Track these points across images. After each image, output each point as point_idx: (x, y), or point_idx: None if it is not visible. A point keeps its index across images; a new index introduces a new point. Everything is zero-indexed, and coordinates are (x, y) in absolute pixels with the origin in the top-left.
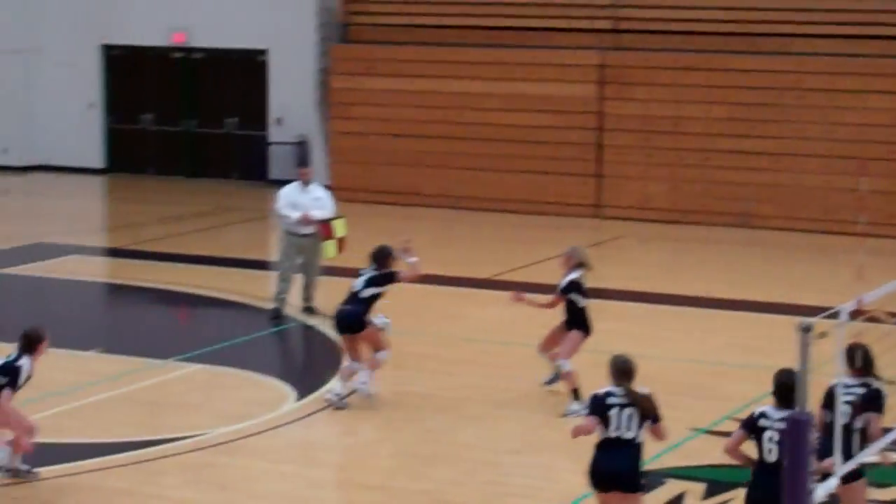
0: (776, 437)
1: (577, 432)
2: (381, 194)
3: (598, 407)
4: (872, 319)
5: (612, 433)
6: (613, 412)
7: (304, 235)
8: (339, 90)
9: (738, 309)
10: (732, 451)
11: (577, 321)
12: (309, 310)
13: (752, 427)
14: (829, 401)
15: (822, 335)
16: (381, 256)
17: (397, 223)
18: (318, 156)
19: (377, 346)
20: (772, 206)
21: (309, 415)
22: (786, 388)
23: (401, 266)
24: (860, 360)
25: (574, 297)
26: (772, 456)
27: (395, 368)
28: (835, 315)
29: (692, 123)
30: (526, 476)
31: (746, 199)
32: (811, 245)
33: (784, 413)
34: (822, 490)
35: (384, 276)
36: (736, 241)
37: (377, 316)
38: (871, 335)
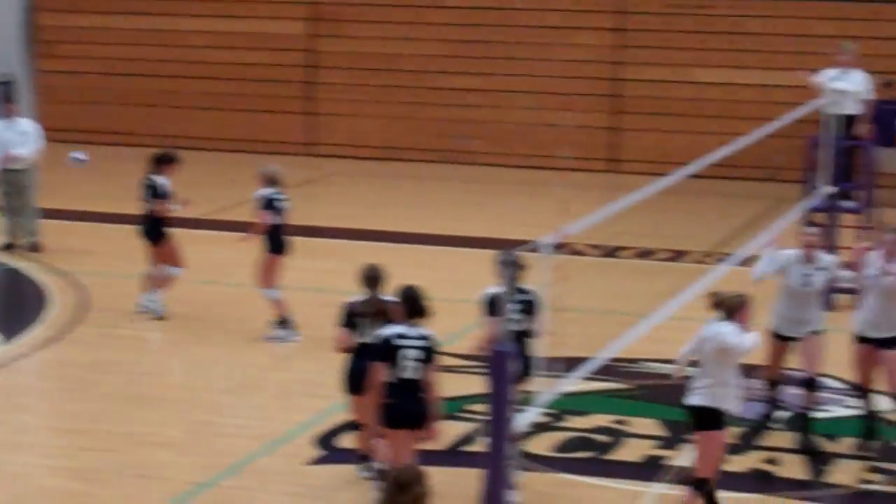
0: (413, 354)
1: (338, 344)
2: (92, 134)
3: (387, 350)
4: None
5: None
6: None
7: (12, 171)
8: (45, 27)
9: (450, 244)
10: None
11: (272, 242)
12: (21, 248)
13: (387, 348)
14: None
15: (525, 267)
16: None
17: (109, 165)
18: (25, 95)
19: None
20: (482, 143)
21: (16, 359)
22: (412, 300)
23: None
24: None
25: (265, 211)
26: (408, 373)
27: (105, 311)
28: (538, 248)
29: (403, 60)
30: (237, 416)
31: (461, 135)
32: (521, 180)
33: (419, 331)
34: (523, 419)
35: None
36: (449, 178)
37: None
38: (573, 266)
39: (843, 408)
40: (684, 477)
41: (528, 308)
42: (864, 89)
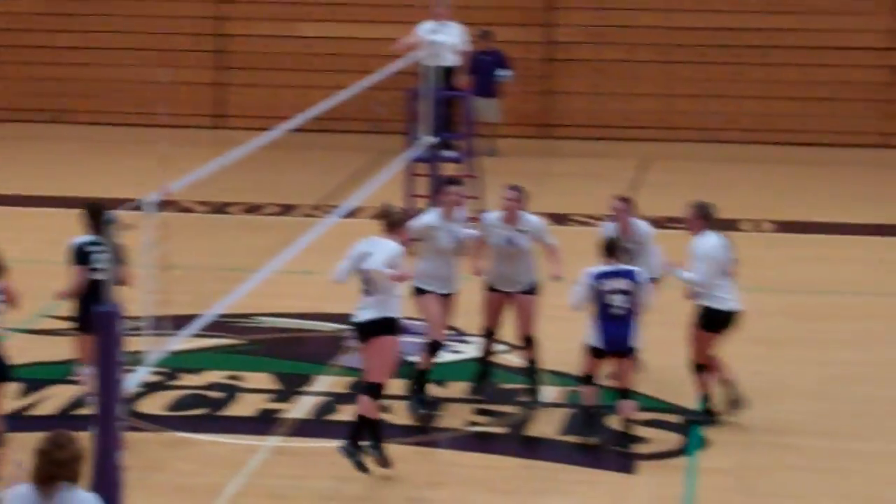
0: None
1: None
2: None
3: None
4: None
5: None
6: None
7: None
8: None
9: (47, 205)
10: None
11: None
12: None
13: None
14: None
15: (130, 227)
16: None
17: None
18: None
19: None
20: (86, 101)
21: None
22: None
23: None
24: None
25: None
26: None
27: None
28: (141, 206)
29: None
30: None
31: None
32: (124, 138)
33: None
34: (133, 379)
35: None
36: (48, 137)
37: None
38: (180, 223)
39: (450, 353)
40: (361, 385)
41: (113, 257)
42: (460, 41)
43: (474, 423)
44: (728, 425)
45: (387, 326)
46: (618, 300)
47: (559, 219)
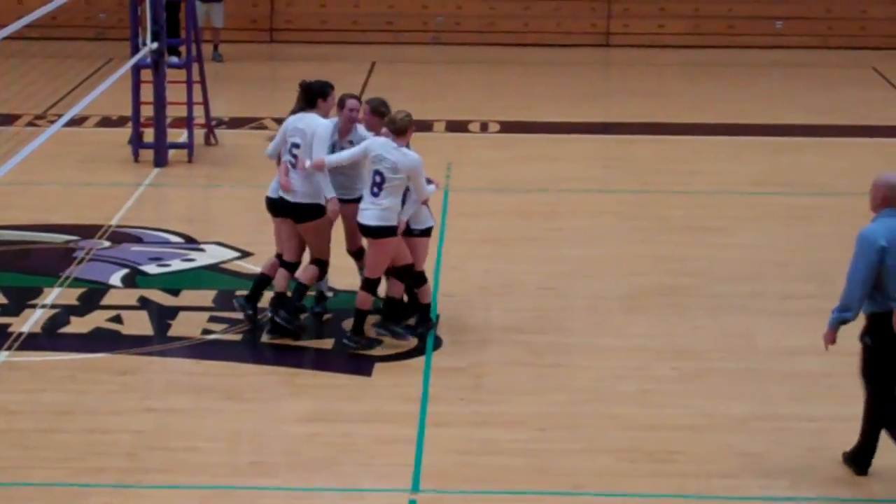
0: None
1: None
2: None
3: None
4: None
5: None
6: None
7: None
8: None
9: None
10: None
11: None
12: None
13: None
14: None
15: None
16: None
17: None
18: None
19: None
20: None
21: None
22: None
23: None
24: None
25: None
26: None
27: None
28: None
29: None
30: None
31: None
32: None
33: None
34: None
35: None
36: None
37: None
38: None
39: (182, 261)
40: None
41: None
42: None
43: (209, 331)
44: (463, 325)
45: (389, 232)
46: None
47: None
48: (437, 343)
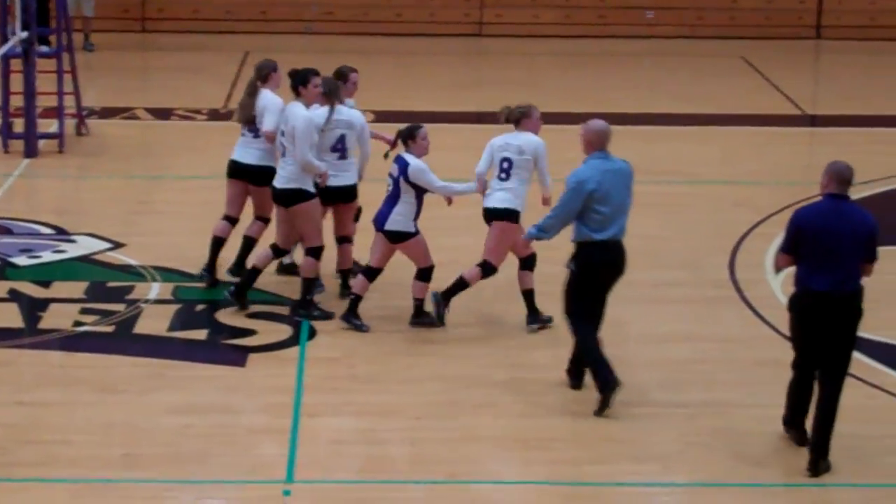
0: None
1: None
2: None
3: None
4: None
5: None
6: None
7: None
8: None
9: None
10: None
11: None
12: None
13: None
14: None
15: None
16: None
17: None
18: None
19: None
20: None
21: None
22: None
23: None
24: None
25: None
26: None
27: None
28: None
29: None
30: None
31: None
32: None
33: None
34: None
35: None
36: None
37: None
38: None
39: (53, 253)
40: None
41: None
42: None
43: (80, 323)
44: (338, 315)
45: (513, 215)
46: None
47: (162, 114)
48: (312, 333)
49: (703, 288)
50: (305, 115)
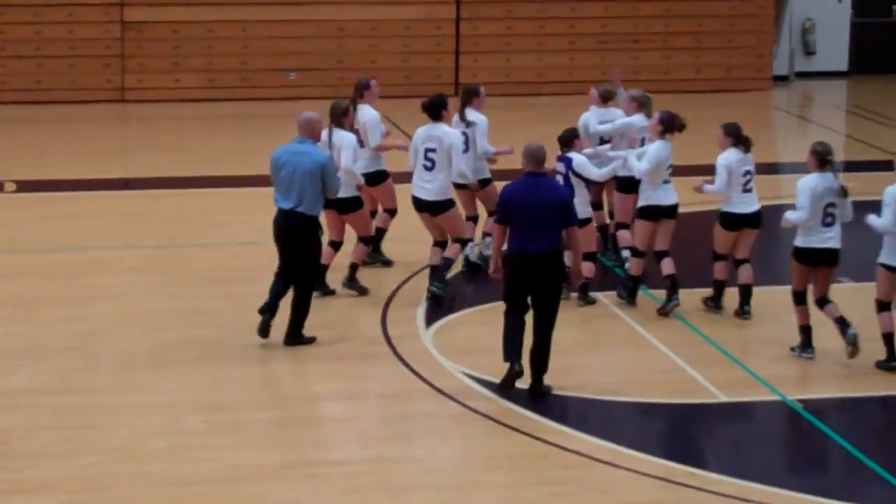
0: None
1: None
2: None
3: None
4: None
5: None
6: None
7: None
8: None
9: None
10: None
11: None
12: None
13: None
14: None
15: None
16: None
17: None
18: None
19: None
20: None
21: None
22: None
23: None
24: None
25: None
26: None
27: None
28: None
29: None
30: None
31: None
32: None
33: None
34: None
35: None
36: None
37: None
38: None
39: None
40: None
41: None
42: None
43: None
44: None
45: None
46: None
47: None
48: None
49: (353, 344)
50: (455, 132)
